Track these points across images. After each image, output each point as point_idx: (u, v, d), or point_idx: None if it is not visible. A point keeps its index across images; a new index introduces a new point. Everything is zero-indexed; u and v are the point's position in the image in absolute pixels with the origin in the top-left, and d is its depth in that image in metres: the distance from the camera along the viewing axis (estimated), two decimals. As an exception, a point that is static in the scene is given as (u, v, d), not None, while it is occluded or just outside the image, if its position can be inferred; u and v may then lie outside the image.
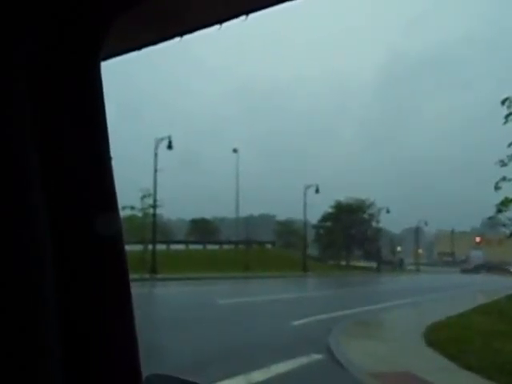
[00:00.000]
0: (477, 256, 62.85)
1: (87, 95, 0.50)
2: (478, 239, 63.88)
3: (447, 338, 6.56)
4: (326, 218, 50.64)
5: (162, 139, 24.80)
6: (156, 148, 24.83)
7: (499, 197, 8.68)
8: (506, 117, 8.55)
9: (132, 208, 26.24)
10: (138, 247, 27.23)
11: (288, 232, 54.36)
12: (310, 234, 48.39)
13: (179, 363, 5.12)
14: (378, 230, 50.18)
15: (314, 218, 50.81)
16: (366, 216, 50.36)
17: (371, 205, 49.61)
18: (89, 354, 0.45)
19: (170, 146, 24.60)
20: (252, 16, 0.56)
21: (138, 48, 0.61)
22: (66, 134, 0.48)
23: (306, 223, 39.55)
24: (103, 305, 0.47)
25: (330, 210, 50.13)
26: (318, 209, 47.88)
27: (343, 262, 49.55)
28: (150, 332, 7.43)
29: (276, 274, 27.62)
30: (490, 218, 10.87)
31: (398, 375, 4.91)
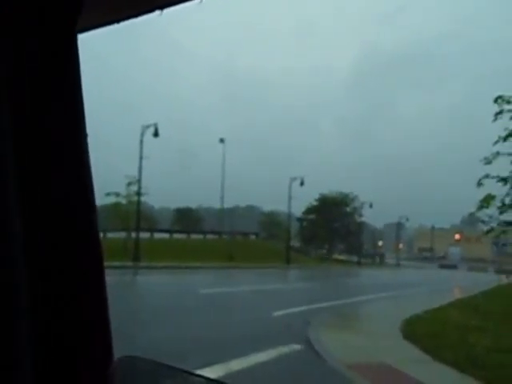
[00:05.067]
0: (455, 252, 65.13)
1: (63, 67, 0.49)
2: (457, 236, 65.99)
3: (423, 332, 6.72)
4: (309, 210, 51.09)
5: (148, 126, 24.28)
6: (142, 135, 24.30)
7: (480, 195, 8.84)
8: (496, 114, 8.50)
9: (117, 195, 25.75)
10: (122, 234, 26.79)
11: (272, 224, 54.67)
12: (294, 227, 48.77)
13: (155, 352, 5.05)
14: (361, 224, 51.03)
15: (298, 210, 51.22)
16: (349, 210, 51.06)
17: (355, 199, 50.33)
18: (61, 336, 0.47)
19: (156, 134, 24.11)
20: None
21: (117, 21, 0.57)
22: (41, 108, 0.47)
23: (290, 215, 39.81)
24: (77, 290, 0.49)
25: (314, 203, 50.59)
26: (303, 201, 48.29)
27: (325, 255, 50.31)
28: (126, 319, 7.32)
29: (259, 265, 27.78)
30: (470, 214, 11.10)
31: (374, 366, 5.00)
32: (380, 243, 67.28)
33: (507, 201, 8.59)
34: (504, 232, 9.94)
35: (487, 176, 8.60)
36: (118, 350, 0.55)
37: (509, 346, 5.70)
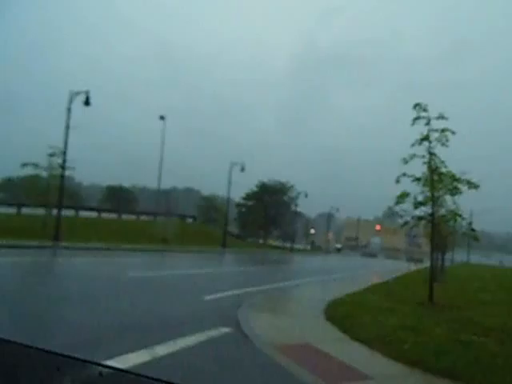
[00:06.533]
0: (375, 242, 72.01)
1: None
2: (377, 227, 72.71)
3: (343, 314, 7.30)
4: (248, 197, 51.87)
5: (77, 93, 21.90)
6: (70, 102, 21.85)
7: (398, 192, 9.88)
8: (414, 120, 9.51)
9: (36, 166, 22.95)
10: (40, 211, 24.21)
11: (210, 208, 54.36)
12: (233, 212, 49.12)
13: (76, 337, 4.69)
14: (296, 213, 53.32)
15: (238, 196, 51.63)
16: (285, 198, 52.97)
17: (291, 188, 52.32)
18: None
19: (87, 103, 21.84)
20: None
21: None
22: None
23: (228, 200, 39.90)
24: None
25: (253, 190, 51.44)
26: (243, 187, 48.75)
27: (261, 241, 51.78)
28: (41, 304, 6.68)
29: (194, 249, 27.49)
30: (389, 208, 12.30)
31: (298, 347, 5.27)
32: (312, 231, 71.19)
33: (419, 198, 9.72)
34: (416, 225, 11.28)
35: (404, 175, 9.57)
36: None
37: (410, 324, 6.51)
